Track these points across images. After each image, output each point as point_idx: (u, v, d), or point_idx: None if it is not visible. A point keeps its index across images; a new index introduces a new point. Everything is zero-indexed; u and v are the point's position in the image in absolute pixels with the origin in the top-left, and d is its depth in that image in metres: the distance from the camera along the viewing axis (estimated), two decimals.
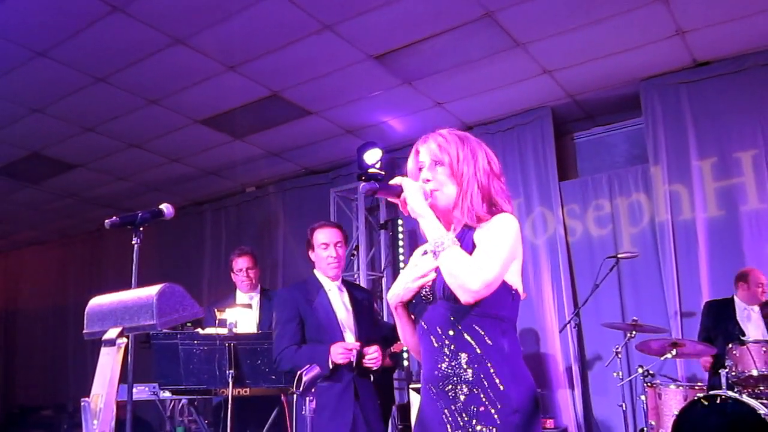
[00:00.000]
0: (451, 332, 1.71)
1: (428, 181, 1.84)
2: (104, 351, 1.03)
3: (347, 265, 7.15)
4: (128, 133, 6.59)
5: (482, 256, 1.69)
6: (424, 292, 1.78)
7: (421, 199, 1.78)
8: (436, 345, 1.73)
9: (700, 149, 5.56)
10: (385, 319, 6.81)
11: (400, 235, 6.82)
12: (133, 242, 2.58)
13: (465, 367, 1.68)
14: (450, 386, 1.69)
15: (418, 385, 4.90)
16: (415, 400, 5.40)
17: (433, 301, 1.76)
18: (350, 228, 7.26)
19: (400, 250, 6.78)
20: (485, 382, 1.67)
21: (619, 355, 4.63)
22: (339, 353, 3.08)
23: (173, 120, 6.33)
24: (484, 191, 1.81)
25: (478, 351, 1.69)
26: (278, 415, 3.61)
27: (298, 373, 1.76)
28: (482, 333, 1.70)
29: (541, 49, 5.27)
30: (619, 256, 4.98)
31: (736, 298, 4.79)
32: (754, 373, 3.92)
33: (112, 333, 1.04)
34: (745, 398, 3.78)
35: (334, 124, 6.59)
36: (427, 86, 5.87)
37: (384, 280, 6.81)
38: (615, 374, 4.62)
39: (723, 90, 5.49)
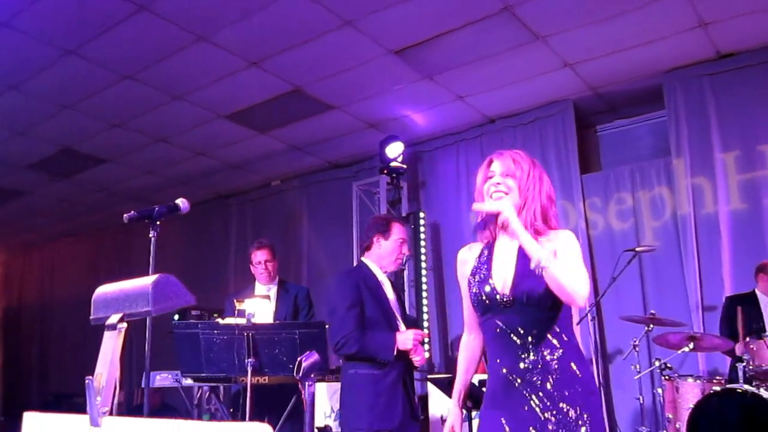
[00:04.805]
0: (535, 332, 1.99)
1: (498, 184, 2.09)
2: (107, 335, 1.13)
3: None
4: (155, 128, 6.75)
5: (580, 267, 1.96)
6: (500, 298, 2.02)
7: (519, 220, 2.01)
8: (519, 342, 2.00)
9: (723, 142, 5.51)
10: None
11: (422, 228, 6.86)
12: (150, 235, 2.68)
13: (549, 360, 1.98)
14: (537, 376, 1.97)
15: (438, 376, 4.96)
16: (433, 391, 5.46)
17: (512, 305, 2.01)
18: None
19: (422, 243, 6.83)
20: (567, 371, 1.97)
21: (637, 348, 4.63)
22: (408, 339, 3.18)
23: (198, 115, 6.46)
24: (544, 211, 2.06)
25: (558, 346, 1.99)
26: (296, 404, 3.70)
27: (298, 359, 1.85)
28: (559, 331, 2.01)
29: (561, 42, 5.26)
30: (637, 249, 4.97)
31: (757, 291, 4.75)
32: None
33: (114, 318, 1.14)
34: (762, 392, 3.77)
35: (356, 118, 6.65)
36: (448, 80, 5.90)
37: (405, 273, 6.86)
38: (633, 367, 4.62)
39: (746, 82, 5.43)
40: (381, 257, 3.41)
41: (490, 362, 2.09)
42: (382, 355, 3.16)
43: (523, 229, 1.97)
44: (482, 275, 2.07)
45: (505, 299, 2.01)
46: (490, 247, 2.13)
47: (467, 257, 2.19)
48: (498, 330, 2.03)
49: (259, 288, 4.54)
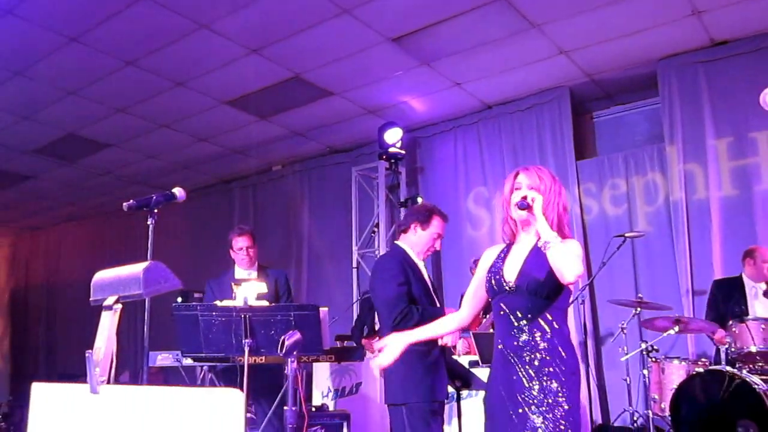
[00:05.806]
0: (530, 316, 2.32)
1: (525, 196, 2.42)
2: (104, 314, 1.27)
3: (368, 242, 7.37)
4: (157, 114, 6.86)
5: (576, 258, 2.27)
6: (506, 284, 2.38)
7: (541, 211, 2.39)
8: (516, 324, 2.34)
9: (716, 128, 5.59)
10: None
11: None
12: (149, 222, 2.81)
13: (539, 341, 2.30)
14: (527, 354, 2.30)
15: None
16: None
17: (515, 292, 2.35)
18: (371, 206, 7.45)
19: None
20: (554, 352, 2.29)
21: (625, 331, 4.75)
22: None
23: (200, 101, 6.56)
24: (559, 219, 2.39)
25: (549, 331, 2.31)
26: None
27: (282, 337, 1.97)
28: (551, 319, 2.32)
29: (556, 29, 5.34)
30: (626, 235, 5.07)
31: (744, 276, 4.85)
32: (753, 349, 4.02)
33: (110, 300, 1.28)
34: (744, 374, 3.89)
35: (356, 104, 6.74)
36: (445, 67, 5.98)
37: None
38: (620, 349, 4.74)
39: (740, 69, 5.49)
40: (414, 244, 3.54)
41: (495, 338, 2.45)
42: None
43: (542, 215, 2.32)
44: (497, 267, 2.46)
45: (510, 285, 2.37)
46: (509, 246, 2.52)
47: (490, 254, 2.57)
48: (501, 312, 2.39)
49: (240, 273, 4.59)
